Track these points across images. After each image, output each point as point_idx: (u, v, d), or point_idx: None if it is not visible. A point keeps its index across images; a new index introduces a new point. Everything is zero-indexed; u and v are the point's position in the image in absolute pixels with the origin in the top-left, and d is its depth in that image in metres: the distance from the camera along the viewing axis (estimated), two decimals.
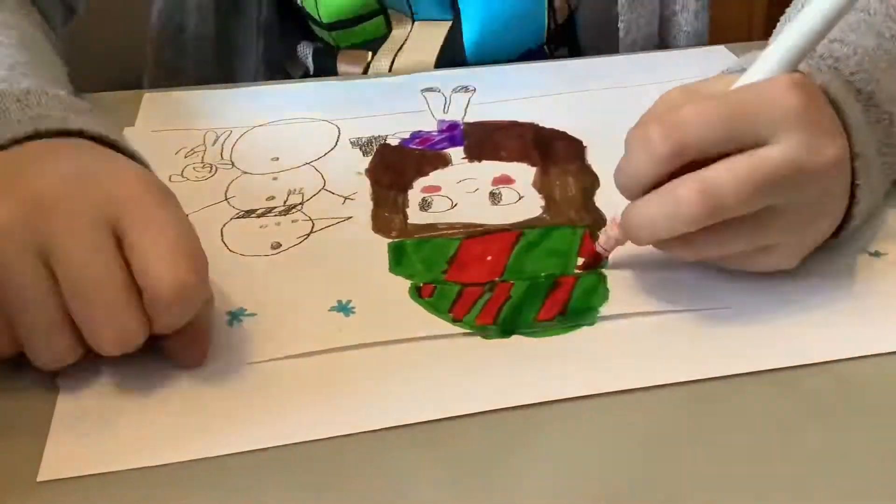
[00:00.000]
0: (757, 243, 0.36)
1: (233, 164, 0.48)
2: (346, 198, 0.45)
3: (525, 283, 0.39)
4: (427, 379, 0.34)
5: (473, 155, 0.48)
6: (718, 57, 0.60)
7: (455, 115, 0.52)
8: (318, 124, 0.52)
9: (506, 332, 0.36)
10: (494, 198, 0.45)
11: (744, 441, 0.32)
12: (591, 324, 0.36)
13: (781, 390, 0.34)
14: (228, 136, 0.51)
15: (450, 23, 0.61)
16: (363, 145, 0.50)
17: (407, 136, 0.50)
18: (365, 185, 0.46)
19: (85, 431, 0.32)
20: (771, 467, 0.31)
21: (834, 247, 0.40)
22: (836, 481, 0.30)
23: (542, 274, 0.39)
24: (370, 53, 0.63)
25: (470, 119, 0.52)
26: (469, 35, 0.61)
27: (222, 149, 0.49)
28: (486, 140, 0.50)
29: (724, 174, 0.33)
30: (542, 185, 0.46)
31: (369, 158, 0.48)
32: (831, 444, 0.31)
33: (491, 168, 0.47)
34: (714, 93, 0.36)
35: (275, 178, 0.47)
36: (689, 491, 0.30)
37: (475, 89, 0.55)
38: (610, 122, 0.52)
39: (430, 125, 0.51)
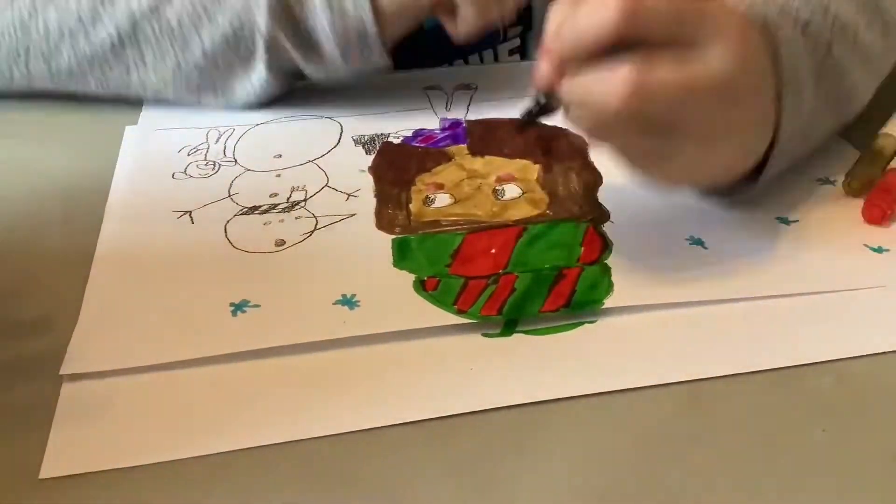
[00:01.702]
0: (662, 146, 0.35)
1: (236, 161, 0.48)
2: (349, 195, 0.45)
3: (529, 275, 0.39)
4: (428, 377, 0.34)
5: (476, 152, 0.48)
6: None
7: (457, 112, 0.52)
8: (321, 122, 0.52)
9: (510, 322, 0.36)
10: (497, 194, 0.45)
11: (744, 440, 0.31)
12: (594, 322, 0.36)
13: (782, 389, 0.33)
14: (231, 133, 0.51)
15: None
16: (366, 143, 0.50)
17: (409, 133, 0.50)
18: (368, 183, 0.46)
19: (87, 429, 0.32)
20: (771, 466, 0.30)
21: (835, 244, 0.40)
22: (837, 480, 0.30)
23: (546, 266, 0.39)
24: None
25: (472, 117, 0.52)
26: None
27: (225, 146, 0.49)
28: (488, 137, 0.50)
29: (664, 75, 0.33)
30: (545, 182, 0.46)
31: (372, 156, 0.48)
32: (832, 444, 0.31)
33: (494, 164, 0.47)
34: None
35: (278, 176, 0.47)
36: (689, 490, 0.30)
37: (477, 87, 0.55)
38: None
39: (432, 123, 0.51)
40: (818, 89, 0.40)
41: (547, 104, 0.37)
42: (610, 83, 0.33)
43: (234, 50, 0.49)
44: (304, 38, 0.48)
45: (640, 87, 0.33)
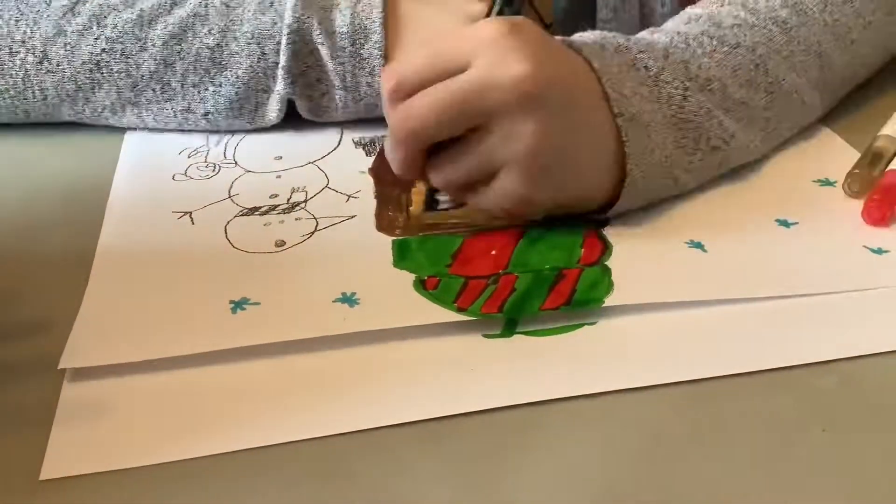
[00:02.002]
0: (481, 164, 0.39)
1: (236, 163, 0.48)
2: (349, 196, 0.45)
3: (529, 275, 0.39)
4: (429, 378, 0.34)
5: None
6: None
7: None
8: (321, 123, 0.52)
9: (510, 322, 0.36)
10: None
11: (745, 440, 0.31)
12: (594, 323, 0.36)
13: (782, 389, 0.33)
14: (232, 136, 0.51)
15: None
16: (366, 144, 0.50)
17: None
18: (368, 184, 0.46)
19: (88, 430, 0.32)
20: (773, 467, 0.30)
21: (835, 246, 0.40)
22: (837, 480, 0.30)
23: (547, 266, 0.39)
24: None
25: None
26: None
27: (225, 148, 0.49)
28: None
29: (418, 100, 0.38)
30: None
31: (372, 158, 0.48)
32: (834, 444, 0.31)
33: None
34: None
35: (278, 177, 0.47)
36: (689, 491, 0.30)
37: None
38: None
39: None
40: (676, 133, 0.41)
41: None
42: (390, 128, 0.39)
43: (240, 108, 0.49)
44: (316, 105, 0.49)
45: (403, 111, 0.38)
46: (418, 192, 0.45)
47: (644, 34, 0.44)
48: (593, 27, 0.54)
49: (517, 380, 0.34)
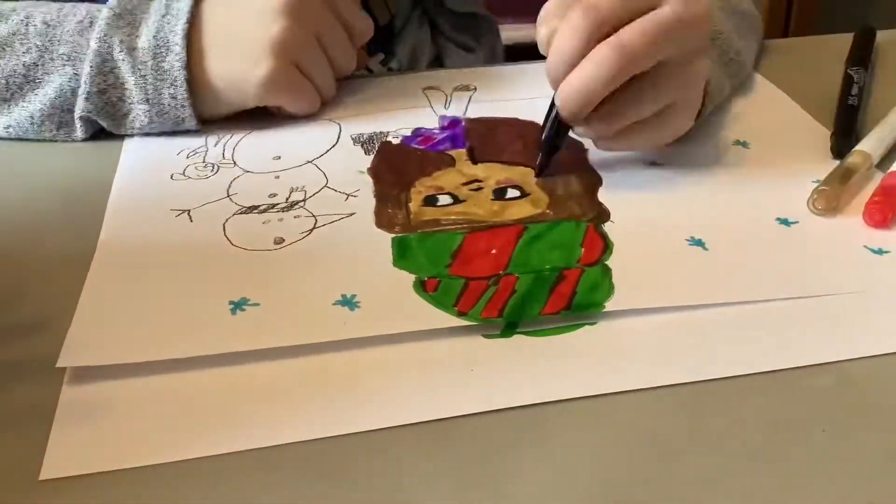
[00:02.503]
0: (660, 101, 0.43)
1: (234, 163, 0.48)
2: (348, 195, 0.45)
3: (530, 276, 0.39)
4: (429, 378, 0.34)
5: (476, 157, 0.48)
6: None
7: (456, 112, 0.52)
8: (319, 122, 0.52)
9: (511, 325, 0.36)
10: (498, 195, 0.45)
11: (745, 440, 0.31)
12: (594, 323, 0.36)
13: (782, 389, 0.33)
14: (230, 137, 0.50)
15: None
16: (364, 143, 0.50)
17: (408, 132, 0.50)
18: (367, 183, 0.46)
19: (87, 430, 0.32)
20: (773, 467, 0.30)
21: (835, 246, 0.40)
22: (837, 480, 0.30)
23: (547, 267, 0.39)
24: None
25: (471, 116, 0.52)
26: None
27: (224, 148, 0.49)
28: (488, 141, 0.50)
29: (629, 30, 0.40)
30: (545, 182, 0.46)
31: (371, 156, 0.48)
32: (832, 444, 0.31)
33: (494, 170, 0.47)
34: None
35: (277, 177, 0.47)
36: (689, 491, 0.30)
37: (476, 88, 0.55)
38: None
39: (431, 123, 0.51)
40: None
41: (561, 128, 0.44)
42: (592, 59, 0.41)
43: (41, 125, 0.49)
44: (119, 123, 0.49)
45: (615, 42, 0.40)
46: (417, 192, 0.45)
47: None
48: None
49: (518, 381, 0.33)
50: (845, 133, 0.48)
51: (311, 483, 0.30)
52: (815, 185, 0.45)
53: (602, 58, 0.40)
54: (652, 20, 0.40)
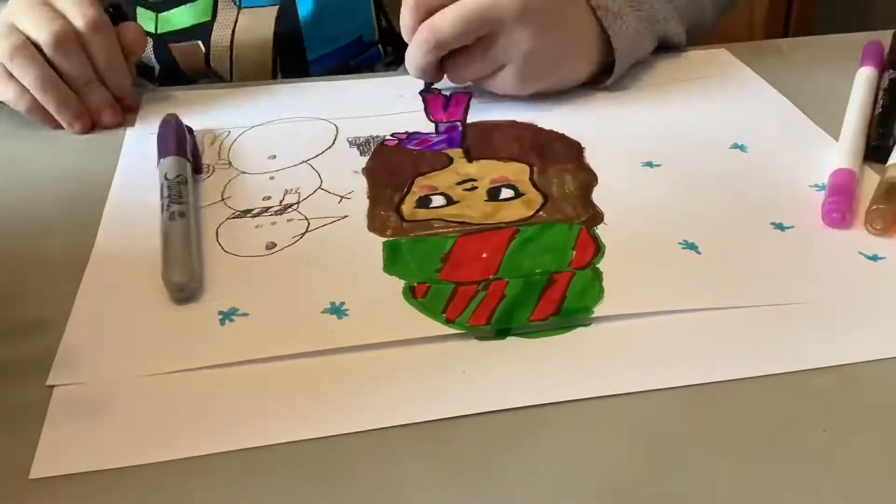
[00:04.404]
0: (489, 65, 0.51)
1: (230, 163, 0.48)
2: (342, 197, 0.45)
3: (520, 281, 0.38)
4: (421, 380, 0.34)
5: (472, 155, 0.48)
6: (720, 58, 0.60)
7: (454, 116, 0.52)
8: (316, 123, 0.52)
9: (499, 332, 0.36)
10: (492, 196, 0.45)
11: (745, 441, 0.31)
12: (588, 325, 0.36)
13: (782, 389, 0.33)
14: (227, 136, 0.51)
15: (277, 7, 0.62)
16: (361, 145, 0.50)
17: (405, 136, 0.50)
18: (362, 185, 0.46)
19: (78, 429, 0.32)
20: (773, 467, 0.30)
21: (830, 251, 0.40)
22: (837, 480, 0.30)
23: (538, 271, 0.39)
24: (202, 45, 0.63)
25: (469, 120, 0.52)
26: (303, 13, 0.62)
27: (220, 149, 0.49)
28: (484, 141, 0.50)
29: (440, 15, 0.49)
30: (540, 183, 0.46)
31: (367, 158, 0.48)
32: (834, 445, 0.31)
33: (489, 168, 0.47)
34: None
35: (272, 178, 0.47)
36: (689, 492, 0.30)
37: (474, 91, 0.54)
38: (608, 123, 0.53)
39: (428, 126, 0.51)
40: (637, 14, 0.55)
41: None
42: (414, 39, 0.51)
43: None
44: None
45: (428, 27, 0.49)
46: (411, 193, 0.45)
47: None
48: None
49: (512, 383, 0.33)
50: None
51: (302, 483, 0.30)
52: (813, 189, 0.44)
53: (419, 38, 0.50)
54: (460, 5, 0.49)
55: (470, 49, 0.50)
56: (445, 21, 0.49)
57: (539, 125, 0.51)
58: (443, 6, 0.49)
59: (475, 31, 0.49)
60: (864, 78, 0.54)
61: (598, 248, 0.41)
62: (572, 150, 0.49)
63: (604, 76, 0.55)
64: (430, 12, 0.49)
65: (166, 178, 0.44)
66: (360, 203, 0.44)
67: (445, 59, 0.51)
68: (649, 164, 0.47)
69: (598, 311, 0.37)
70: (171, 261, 0.39)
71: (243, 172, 0.47)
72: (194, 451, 0.31)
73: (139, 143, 0.50)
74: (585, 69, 0.54)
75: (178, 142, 0.47)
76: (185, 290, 0.37)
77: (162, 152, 0.46)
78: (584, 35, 0.53)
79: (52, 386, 0.34)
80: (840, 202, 0.42)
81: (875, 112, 0.50)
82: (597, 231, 0.42)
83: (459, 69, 0.51)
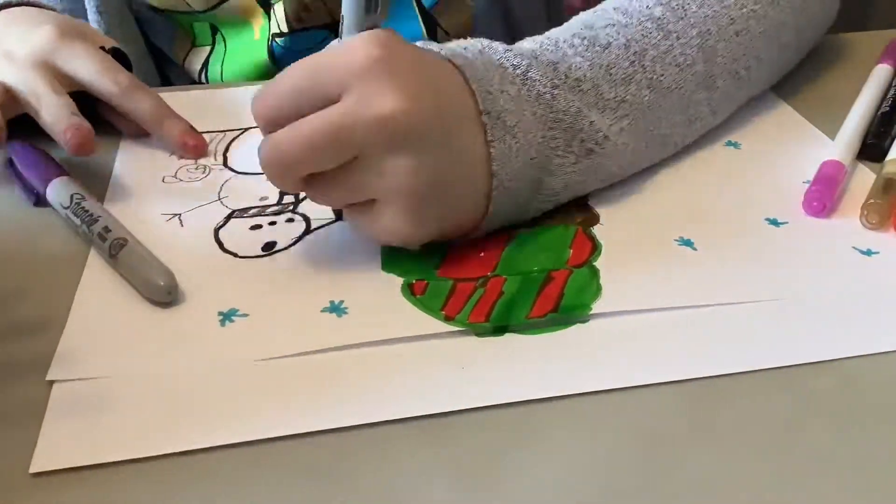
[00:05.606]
0: (355, 195, 0.37)
1: (226, 165, 0.48)
2: None
3: (518, 277, 0.39)
4: (420, 375, 0.34)
5: None
6: None
7: None
8: None
9: (498, 330, 0.36)
10: None
11: (745, 439, 0.31)
12: (586, 321, 0.36)
13: (783, 388, 0.33)
14: (222, 138, 0.51)
15: None
16: None
17: None
18: None
19: (78, 423, 0.32)
20: (773, 466, 0.30)
21: (824, 246, 0.40)
22: (838, 480, 0.30)
23: (535, 268, 0.39)
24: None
25: None
26: None
27: (216, 150, 0.50)
28: None
29: (288, 134, 0.36)
30: None
31: None
32: (834, 443, 0.31)
33: None
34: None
35: None
36: (689, 490, 0.30)
37: None
38: None
39: None
40: (547, 132, 0.40)
41: None
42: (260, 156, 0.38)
43: None
44: None
45: (269, 145, 0.37)
46: None
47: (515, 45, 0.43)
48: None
49: (510, 378, 0.34)
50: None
51: (302, 477, 0.30)
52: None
53: (265, 158, 0.37)
54: (308, 122, 0.36)
55: (333, 172, 0.37)
56: (292, 140, 0.36)
57: None
58: (288, 119, 0.36)
59: (328, 156, 0.36)
60: (878, 75, 0.54)
61: (595, 247, 0.41)
62: None
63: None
64: (274, 124, 0.37)
65: (64, 208, 0.41)
66: None
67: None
68: None
69: (597, 307, 0.37)
70: (141, 275, 0.38)
71: (240, 173, 0.47)
72: (193, 444, 0.31)
73: (132, 145, 0.50)
74: (482, 203, 0.39)
75: (46, 164, 0.44)
76: (172, 292, 0.37)
77: (40, 184, 0.43)
78: (473, 156, 0.38)
79: (52, 382, 0.34)
80: (821, 191, 0.43)
81: (879, 110, 0.50)
82: (593, 231, 0.42)
83: (321, 193, 0.38)
